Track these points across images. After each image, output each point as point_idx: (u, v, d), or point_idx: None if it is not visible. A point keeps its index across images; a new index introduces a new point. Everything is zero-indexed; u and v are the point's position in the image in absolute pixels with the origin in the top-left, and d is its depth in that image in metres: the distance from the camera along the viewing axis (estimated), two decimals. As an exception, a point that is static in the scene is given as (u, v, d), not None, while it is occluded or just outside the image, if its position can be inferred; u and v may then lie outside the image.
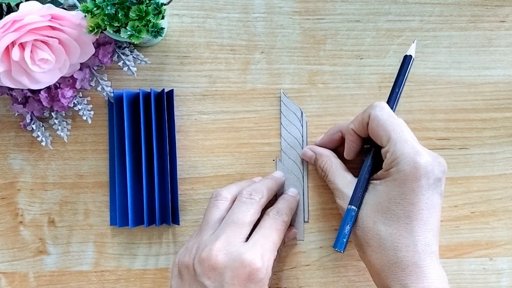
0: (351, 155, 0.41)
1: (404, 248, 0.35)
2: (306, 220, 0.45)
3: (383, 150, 0.38)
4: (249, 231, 0.37)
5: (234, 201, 0.39)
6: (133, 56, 0.44)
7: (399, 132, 0.37)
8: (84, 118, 0.44)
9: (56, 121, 0.44)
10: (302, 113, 0.45)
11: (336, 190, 0.40)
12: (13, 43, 0.38)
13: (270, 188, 0.41)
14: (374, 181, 0.39)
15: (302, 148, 0.45)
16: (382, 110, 0.38)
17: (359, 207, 0.38)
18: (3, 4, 0.40)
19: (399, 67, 0.42)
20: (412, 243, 0.35)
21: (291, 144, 0.45)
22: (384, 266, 0.35)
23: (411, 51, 0.42)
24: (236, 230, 0.36)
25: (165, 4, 0.39)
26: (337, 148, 0.43)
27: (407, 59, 0.42)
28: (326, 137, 0.43)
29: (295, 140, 0.45)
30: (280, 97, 0.45)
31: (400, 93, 0.41)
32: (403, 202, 0.35)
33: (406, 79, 0.41)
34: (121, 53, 0.44)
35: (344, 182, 0.40)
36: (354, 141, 0.41)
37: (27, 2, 0.38)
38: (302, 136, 0.45)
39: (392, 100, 0.41)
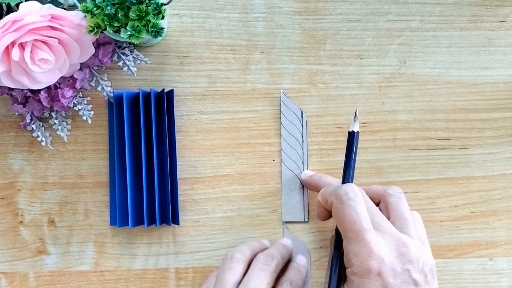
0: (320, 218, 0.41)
1: None
2: (306, 220, 0.45)
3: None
4: None
5: (247, 263, 0.38)
6: (133, 56, 0.44)
7: (355, 229, 0.35)
8: (84, 118, 0.44)
9: (56, 121, 0.44)
10: (302, 113, 0.45)
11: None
12: (13, 43, 0.38)
13: (284, 256, 0.40)
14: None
15: (302, 148, 0.45)
16: (342, 199, 0.37)
17: None
18: (3, 4, 0.40)
19: (347, 144, 0.40)
20: None
21: (291, 144, 0.45)
22: None
23: (355, 127, 0.40)
24: None
25: (165, 4, 0.39)
26: None
27: (351, 136, 0.40)
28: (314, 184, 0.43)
29: (295, 140, 0.45)
30: (280, 97, 0.45)
31: (353, 170, 0.40)
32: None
33: (355, 154, 0.40)
34: (121, 53, 0.44)
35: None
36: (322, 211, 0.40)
37: (27, 2, 0.38)
38: (302, 136, 0.45)
39: (346, 181, 0.40)
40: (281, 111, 0.45)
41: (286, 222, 0.44)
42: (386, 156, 0.45)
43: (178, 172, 0.44)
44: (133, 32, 0.37)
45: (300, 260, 0.41)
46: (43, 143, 0.44)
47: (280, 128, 0.45)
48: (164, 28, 0.39)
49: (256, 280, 0.36)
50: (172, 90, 0.44)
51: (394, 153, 0.45)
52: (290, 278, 0.38)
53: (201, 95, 0.45)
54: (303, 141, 0.45)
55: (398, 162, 0.45)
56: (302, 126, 0.45)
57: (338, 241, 0.38)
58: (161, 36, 0.39)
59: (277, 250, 0.39)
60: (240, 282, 0.37)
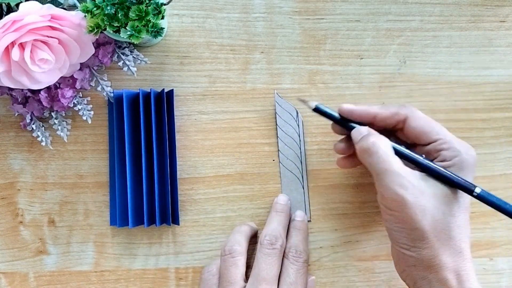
0: (341, 131, 0.41)
1: (464, 239, 0.36)
2: (307, 220, 0.45)
3: (431, 146, 0.38)
4: (277, 279, 0.38)
5: (246, 251, 0.40)
6: (133, 56, 0.44)
7: (443, 128, 0.38)
8: (84, 118, 0.44)
9: (56, 121, 0.44)
10: (297, 113, 0.45)
11: (394, 173, 0.36)
12: (13, 43, 0.38)
13: (284, 225, 0.42)
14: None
15: (300, 148, 0.45)
16: (418, 111, 0.39)
17: None
18: (3, 4, 0.40)
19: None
20: (467, 235, 0.36)
21: (288, 145, 0.45)
22: (449, 257, 0.35)
23: (312, 103, 0.41)
24: (267, 286, 0.37)
25: (165, 4, 0.39)
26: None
27: (318, 109, 0.40)
28: (356, 109, 0.40)
29: (292, 140, 0.45)
30: (274, 98, 0.45)
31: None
32: (461, 193, 0.36)
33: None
34: (121, 53, 0.44)
35: (400, 164, 0.37)
36: (363, 118, 0.39)
37: (27, 2, 0.38)
38: (299, 136, 0.45)
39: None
40: (275, 112, 0.45)
41: (277, 93, 0.44)
42: (386, 156, 0.45)
43: (178, 172, 0.44)
44: (133, 32, 0.37)
45: (299, 216, 0.43)
46: (43, 143, 0.44)
47: (276, 129, 0.45)
48: (164, 28, 0.39)
49: (266, 269, 0.38)
50: (172, 90, 0.44)
51: (394, 153, 0.45)
52: (294, 244, 0.40)
53: (201, 95, 0.45)
54: (300, 140, 0.45)
55: (398, 162, 0.45)
56: (298, 125, 0.45)
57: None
58: (161, 36, 0.39)
59: (278, 223, 0.41)
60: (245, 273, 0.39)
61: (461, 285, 0.35)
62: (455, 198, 0.36)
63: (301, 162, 0.45)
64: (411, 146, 0.40)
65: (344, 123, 0.40)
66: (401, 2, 0.46)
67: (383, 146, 0.37)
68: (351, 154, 0.41)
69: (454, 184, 0.37)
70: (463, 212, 0.36)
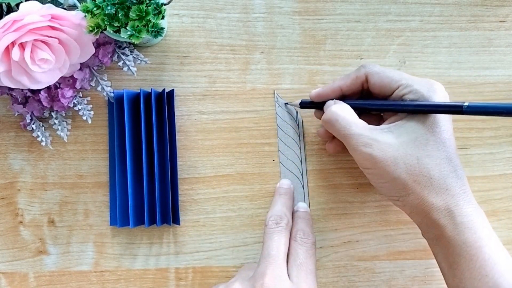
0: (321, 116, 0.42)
1: (450, 175, 0.36)
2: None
3: (395, 94, 0.39)
4: (286, 258, 0.38)
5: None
6: (133, 56, 0.44)
7: (402, 74, 0.39)
8: (84, 118, 0.44)
9: (56, 121, 0.44)
10: (297, 113, 0.45)
11: (357, 135, 0.37)
12: (13, 43, 0.38)
13: (289, 206, 0.42)
14: (396, 122, 0.38)
15: (300, 148, 0.45)
16: (376, 65, 0.40)
17: None
18: (3, 4, 0.40)
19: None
20: (453, 169, 0.36)
21: (288, 145, 0.45)
22: (435, 197, 0.36)
23: (296, 101, 0.44)
24: (276, 263, 0.37)
25: (165, 4, 0.39)
26: None
27: (304, 103, 0.43)
28: (323, 91, 0.42)
29: (292, 141, 0.45)
30: (274, 98, 0.45)
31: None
32: (437, 130, 0.36)
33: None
34: (121, 53, 0.44)
35: (361, 125, 0.38)
36: (331, 96, 0.41)
37: (27, 2, 0.38)
38: (299, 136, 0.45)
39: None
40: (276, 112, 0.45)
41: (277, 93, 0.45)
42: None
43: (178, 172, 0.44)
44: (133, 32, 0.37)
45: (302, 208, 0.43)
46: (43, 143, 0.44)
47: (276, 129, 0.45)
48: (164, 28, 0.39)
49: (274, 247, 0.38)
50: (173, 90, 0.44)
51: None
52: (301, 228, 0.40)
53: (201, 95, 0.45)
54: (300, 140, 0.45)
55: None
56: (298, 125, 0.45)
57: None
58: (161, 36, 0.39)
59: (282, 204, 0.42)
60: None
61: (453, 220, 0.35)
62: (426, 139, 0.36)
63: (301, 162, 0.45)
64: None
65: (320, 107, 0.42)
66: (401, 2, 0.46)
67: (342, 112, 0.39)
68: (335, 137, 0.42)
69: (439, 109, 0.37)
70: (440, 150, 0.36)
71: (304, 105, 0.43)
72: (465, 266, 0.35)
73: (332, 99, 0.41)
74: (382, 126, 0.38)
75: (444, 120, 0.37)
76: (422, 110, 0.37)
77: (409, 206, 0.37)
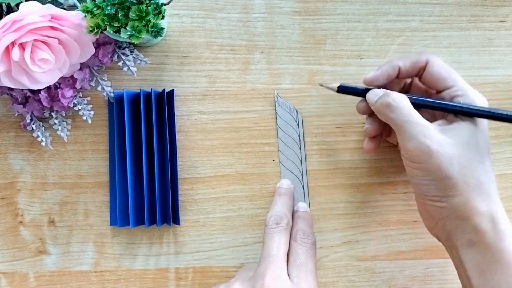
0: (366, 109, 0.41)
1: (492, 183, 0.36)
2: (306, 220, 0.45)
3: (446, 93, 0.38)
4: (286, 258, 0.38)
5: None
6: (133, 56, 0.44)
7: (459, 77, 0.39)
8: (84, 118, 0.44)
9: (56, 121, 0.44)
10: (297, 113, 0.45)
11: (418, 124, 0.36)
12: (13, 43, 0.38)
13: (289, 206, 0.42)
14: (447, 125, 0.38)
15: (300, 148, 0.45)
16: (437, 57, 0.39)
17: None
18: (3, 4, 0.40)
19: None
20: (492, 177, 0.37)
21: (288, 145, 0.45)
22: (481, 202, 0.36)
23: (334, 84, 0.42)
24: (276, 263, 0.37)
25: (165, 4, 0.39)
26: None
27: (342, 87, 0.41)
28: (380, 73, 0.40)
29: (292, 141, 0.45)
30: (275, 98, 0.45)
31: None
32: (482, 137, 0.37)
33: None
34: (121, 53, 0.44)
35: (421, 117, 0.37)
36: (390, 75, 0.40)
37: (27, 2, 0.38)
38: (299, 136, 0.45)
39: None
40: (276, 112, 0.45)
41: (277, 94, 0.44)
42: (386, 156, 0.45)
43: (178, 172, 0.44)
44: (133, 32, 0.37)
45: (302, 208, 0.43)
46: (43, 143, 0.44)
47: (276, 129, 0.45)
48: (164, 28, 0.39)
49: (274, 247, 0.38)
50: (173, 90, 0.44)
51: (394, 153, 0.45)
52: (301, 228, 0.40)
53: (201, 95, 0.45)
54: (300, 140, 0.45)
55: (399, 162, 0.45)
56: (298, 126, 0.45)
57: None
58: (161, 36, 0.39)
59: (283, 205, 0.42)
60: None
61: (496, 227, 0.35)
62: (477, 144, 0.36)
63: (301, 162, 0.45)
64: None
65: (362, 94, 0.41)
66: (401, 2, 0.46)
67: (403, 100, 0.38)
68: (377, 134, 0.42)
69: (494, 116, 0.37)
70: (487, 157, 0.37)
71: (343, 91, 0.41)
72: (502, 273, 0.34)
73: (380, 87, 0.40)
74: (435, 124, 0.38)
75: (487, 129, 0.37)
76: (481, 114, 0.37)
77: (450, 208, 0.36)
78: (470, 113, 0.37)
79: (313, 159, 0.45)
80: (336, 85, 0.41)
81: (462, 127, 0.37)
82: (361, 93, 0.41)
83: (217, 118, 0.45)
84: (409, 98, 0.38)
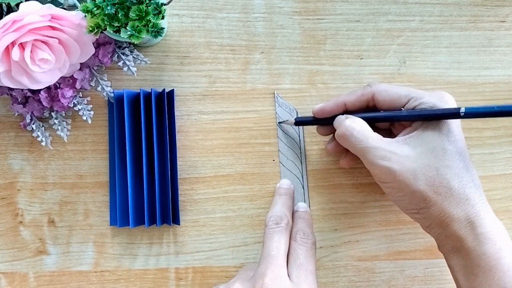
0: (325, 132, 0.43)
1: (469, 185, 0.36)
2: (306, 220, 0.45)
3: (407, 106, 0.38)
4: (286, 258, 0.38)
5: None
6: (133, 56, 0.44)
7: (410, 89, 0.39)
8: (84, 118, 0.44)
9: (56, 121, 0.44)
10: (297, 113, 0.45)
11: (374, 149, 0.37)
12: (13, 43, 0.38)
13: (289, 206, 0.42)
14: (410, 134, 0.38)
15: (300, 148, 0.45)
16: (382, 83, 0.40)
17: None
18: (3, 4, 0.40)
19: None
20: (471, 179, 0.36)
21: (289, 145, 0.45)
22: (456, 208, 0.35)
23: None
24: (276, 263, 0.37)
25: (165, 4, 0.39)
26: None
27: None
28: (325, 107, 0.41)
29: (292, 140, 0.45)
30: (275, 98, 0.45)
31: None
32: (450, 139, 0.36)
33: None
34: (121, 53, 0.44)
35: (377, 138, 0.38)
36: (335, 111, 0.41)
37: (27, 2, 0.38)
38: (299, 136, 0.45)
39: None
40: (276, 112, 0.45)
41: (277, 94, 0.45)
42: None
43: (178, 172, 0.44)
44: (133, 32, 0.37)
45: (302, 208, 0.43)
46: (43, 143, 0.44)
47: (276, 129, 0.45)
48: (164, 28, 0.39)
49: (274, 247, 0.38)
50: (173, 90, 0.44)
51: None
52: (301, 228, 0.40)
53: (201, 95, 0.45)
54: (300, 140, 0.45)
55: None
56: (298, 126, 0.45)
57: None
58: (161, 36, 0.39)
59: (282, 205, 0.42)
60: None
61: (474, 231, 0.35)
62: (443, 149, 0.36)
63: (301, 162, 0.45)
64: None
65: (325, 122, 0.42)
66: (401, 2, 0.46)
67: (357, 126, 0.38)
68: (347, 150, 0.42)
69: (438, 116, 0.37)
70: (457, 160, 0.36)
71: (299, 122, 0.44)
72: (483, 277, 0.34)
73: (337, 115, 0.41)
74: (397, 138, 0.38)
75: (458, 129, 0.37)
76: (431, 116, 0.37)
77: (428, 219, 0.37)
78: (419, 117, 0.37)
79: (313, 159, 0.45)
80: (292, 120, 0.44)
81: (423, 135, 0.37)
82: (313, 121, 0.43)
83: (217, 118, 0.45)
84: (363, 117, 0.39)
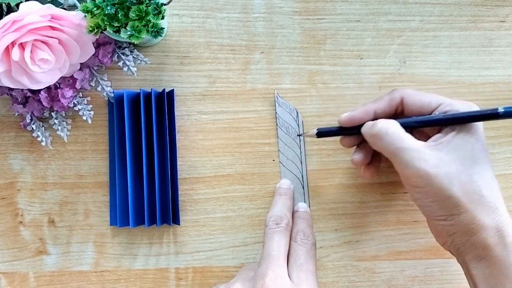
0: (351, 143, 0.42)
1: (497, 194, 0.36)
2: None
3: (436, 112, 0.38)
4: (286, 259, 0.38)
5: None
6: (133, 56, 0.44)
7: (438, 95, 0.38)
8: (84, 118, 0.44)
9: (56, 121, 0.44)
10: (297, 113, 0.45)
11: (410, 150, 0.36)
12: (13, 43, 0.38)
13: (289, 206, 0.42)
14: (442, 139, 0.37)
15: (300, 148, 0.45)
16: (408, 89, 0.40)
17: None
18: (3, 4, 0.40)
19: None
20: (498, 188, 0.36)
21: (288, 145, 0.45)
22: (486, 216, 0.35)
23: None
24: (277, 264, 0.37)
25: (165, 4, 0.39)
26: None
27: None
28: (354, 115, 0.40)
29: (292, 141, 0.45)
30: (275, 98, 0.45)
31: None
32: (480, 147, 0.36)
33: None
34: (121, 53, 0.44)
35: (412, 140, 0.36)
36: (364, 119, 0.40)
37: (27, 2, 0.38)
38: (299, 136, 0.45)
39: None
40: (276, 112, 0.45)
41: (277, 94, 0.45)
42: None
43: (178, 172, 0.44)
44: (133, 32, 0.37)
45: (302, 208, 0.43)
46: (43, 143, 0.44)
47: (276, 129, 0.45)
48: (164, 28, 0.39)
49: (274, 247, 0.38)
50: (173, 90, 0.44)
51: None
52: (301, 229, 0.40)
53: (201, 95, 0.45)
54: (300, 140, 0.45)
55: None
56: (298, 126, 0.45)
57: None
58: (161, 36, 0.39)
59: (283, 205, 0.42)
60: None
61: (503, 240, 0.34)
62: (474, 156, 0.36)
63: (301, 162, 0.45)
64: None
65: (352, 132, 0.41)
66: (401, 2, 0.46)
67: (392, 126, 0.37)
68: (370, 162, 0.41)
69: (476, 117, 0.36)
70: (486, 168, 0.36)
71: (322, 134, 0.42)
72: (510, 287, 0.34)
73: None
74: (429, 143, 0.37)
75: (484, 137, 0.37)
76: (470, 117, 0.36)
77: (457, 226, 0.36)
78: (455, 120, 0.37)
79: (313, 159, 0.45)
80: (314, 131, 0.42)
81: (454, 141, 0.36)
82: (338, 132, 0.41)
83: (217, 118, 0.45)
84: (398, 121, 0.38)
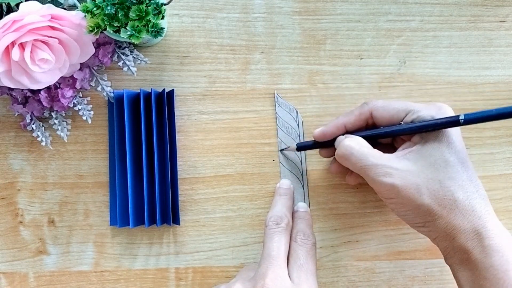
0: (328, 154, 0.43)
1: (474, 196, 0.35)
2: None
3: (406, 120, 0.38)
4: (286, 259, 0.38)
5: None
6: (133, 56, 0.44)
7: (406, 103, 0.38)
8: (84, 118, 0.44)
9: (56, 121, 0.44)
10: (297, 113, 0.45)
11: (375, 166, 0.37)
12: (13, 43, 0.38)
13: (288, 206, 0.42)
14: (410, 148, 0.37)
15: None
16: (379, 100, 0.40)
17: None
18: (3, 4, 0.40)
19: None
20: (476, 189, 0.36)
21: (289, 145, 0.45)
22: (462, 220, 0.35)
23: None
24: (277, 264, 0.37)
25: (165, 4, 0.39)
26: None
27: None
28: (326, 130, 0.41)
29: (292, 140, 0.45)
30: (275, 98, 0.45)
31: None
32: (452, 150, 0.36)
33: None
34: (121, 53, 0.44)
35: (377, 155, 0.37)
36: (335, 133, 0.41)
37: (27, 2, 0.38)
38: (299, 136, 0.45)
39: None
40: (276, 112, 0.45)
41: (277, 94, 0.45)
42: (386, 156, 0.45)
43: (178, 172, 0.44)
44: (133, 32, 0.37)
45: (302, 208, 0.43)
46: (43, 143, 0.44)
47: (276, 129, 0.45)
48: (164, 28, 0.39)
49: (274, 247, 0.38)
50: (173, 90, 0.44)
51: (394, 153, 0.45)
52: (301, 229, 0.40)
53: (201, 95, 0.45)
54: (300, 140, 0.45)
55: (398, 162, 0.45)
56: (298, 126, 0.45)
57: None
58: (161, 36, 0.39)
59: (282, 205, 0.42)
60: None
61: (481, 243, 0.34)
62: (445, 161, 0.36)
63: (301, 162, 0.45)
64: None
65: (326, 145, 0.42)
66: (401, 2, 0.46)
67: (356, 144, 0.38)
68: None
69: (438, 125, 0.36)
70: (460, 171, 0.36)
71: (301, 148, 0.44)
72: None
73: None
74: (397, 153, 0.38)
75: (458, 139, 0.37)
76: (430, 126, 0.36)
77: (435, 232, 0.37)
78: (419, 128, 0.37)
79: (313, 159, 0.45)
80: (294, 146, 0.44)
81: (424, 148, 0.37)
82: (314, 145, 0.43)
83: (217, 118, 0.45)
84: (363, 135, 0.39)
